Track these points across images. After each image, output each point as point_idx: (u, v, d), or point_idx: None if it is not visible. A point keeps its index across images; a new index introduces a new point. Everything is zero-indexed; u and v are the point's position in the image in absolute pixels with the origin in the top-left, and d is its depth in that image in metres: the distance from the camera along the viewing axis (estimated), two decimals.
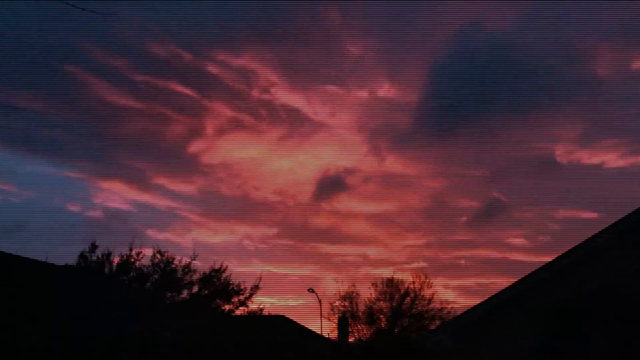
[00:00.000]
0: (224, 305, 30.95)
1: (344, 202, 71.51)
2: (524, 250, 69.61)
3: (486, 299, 18.38)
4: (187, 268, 30.31)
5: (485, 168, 69.22)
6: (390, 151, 70.94)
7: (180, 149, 66.49)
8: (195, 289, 30.42)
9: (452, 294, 75.20)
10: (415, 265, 66.88)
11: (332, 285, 59.52)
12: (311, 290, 49.80)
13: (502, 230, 71.40)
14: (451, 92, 65.39)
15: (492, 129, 68.32)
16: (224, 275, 31.28)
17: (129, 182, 64.60)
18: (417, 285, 47.39)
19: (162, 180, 67.38)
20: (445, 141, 68.89)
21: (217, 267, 31.39)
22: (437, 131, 68.16)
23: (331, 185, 68.80)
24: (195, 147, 68.18)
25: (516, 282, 18.24)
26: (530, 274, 18.05)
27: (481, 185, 72.83)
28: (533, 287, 17.98)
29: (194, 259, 30.53)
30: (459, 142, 68.13)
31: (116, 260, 29.15)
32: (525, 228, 70.98)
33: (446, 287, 69.85)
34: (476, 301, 18.61)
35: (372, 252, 69.36)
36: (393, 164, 71.71)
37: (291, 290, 65.42)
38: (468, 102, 65.37)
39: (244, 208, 68.43)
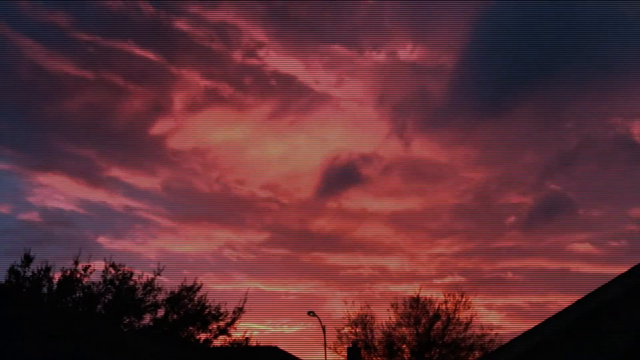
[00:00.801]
0: (198, 334, 28.03)
1: (357, 200, 60.39)
2: (591, 259, 60.11)
3: (542, 323, 16.48)
4: (150, 286, 27.22)
5: (543, 153, 58.86)
6: (417, 132, 60.05)
7: (139, 131, 56.40)
8: (160, 312, 27.51)
9: (497, 317, 64.60)
10: (448, 279, 57.84)
11: (340, 307, 51.70)
12: (312, 314, 43.23)
13: (563, 233, 61.91)
14: (499, 55, 54.02)
15: (552, 102, 58.29)
16: (198, 294, 28.09)
17: (74, 175, 55.70)
18: (450, 306, 41.96)
19: (116, 172, 56.40)
20: (490, 119, 59.13)
21: (189, 284, 28.16)
22: (480, 106, 57.65)
23: (340, 177, 58.35)
24: (159, 128, 56.82)
25: (580, 300, 16.05)
26: (599, 290, 15.93)
27: (536, 176, 62.30)
28: (604, 308, 15.86)
29: (159, 274, 27.50)
30: (508, 120, 58.32)
31: (57, 276, 26.30)
32: (592, 230, 61.01)
33: (489, 307, 60.70)
34: (529, 325, 16.89)
35: (392, 263, 59.00)
36: (421, 149, 60.21)
37: (286, 314, 57.18)
38: (521, 67, 54.27)
39: (224, 208, 58.66)
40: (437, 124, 59.99)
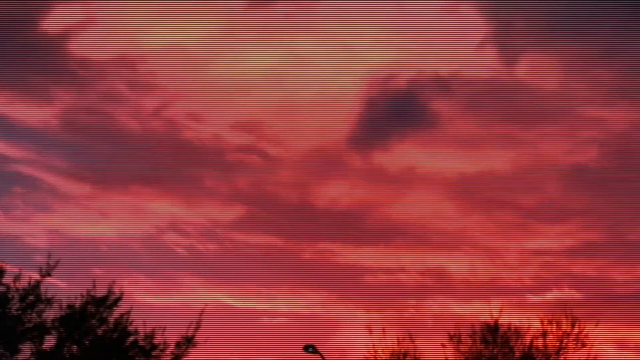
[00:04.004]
0: None
1: (406, 153, 46.67)
2: None
3: None
4: (34, 294, 22.07)
5: None
6: (528, 44, 47.35)
7: (23, 25, 43.40)
8: (51, 341, 22.11)
9: None
10: (551, 295, 45.58)
11: (362, 337, 39.84)
12: (311, 350, 33.42)
13: None
14: None
15: None
16: (116, 311, 22.57)
17: None
18: (552, 341, 31.96)
19: None
20: None
21: (101, 293, 22.81)
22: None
23: (384, 113, 44.82)
24: (56, 20, 42.10)
25: None
26: None
27: None
28: None
29: (50, 274, 22.32)
30: None
31: None
32: None
33: (621, 344, 47.10)
34: None
35: (455, 264, 45.42)
36: (531, 70, 46.13)
37: (269, 348, 44.66)
38: None
39: (169, 161, 46.11)
40: (560, 32, 46.03)
